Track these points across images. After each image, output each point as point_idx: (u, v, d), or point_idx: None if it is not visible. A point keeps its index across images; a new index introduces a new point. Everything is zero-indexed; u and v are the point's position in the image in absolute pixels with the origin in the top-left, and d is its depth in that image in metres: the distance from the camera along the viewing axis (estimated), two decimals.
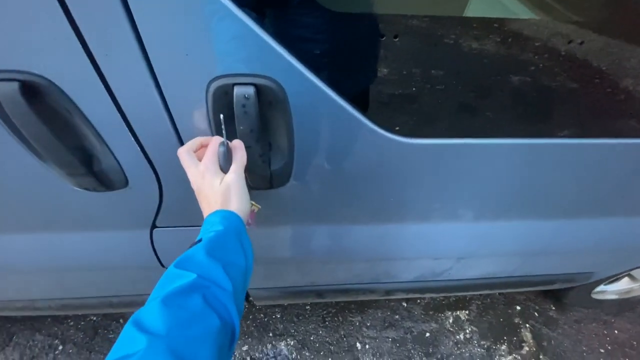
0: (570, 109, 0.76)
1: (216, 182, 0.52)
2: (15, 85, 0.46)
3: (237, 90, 0.53)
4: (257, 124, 0.56)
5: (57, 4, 0.42)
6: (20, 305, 1.08)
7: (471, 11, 0.59)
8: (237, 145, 0.55)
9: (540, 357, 1.45)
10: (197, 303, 0.40)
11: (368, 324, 1.52)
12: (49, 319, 1.47)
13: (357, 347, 1.45)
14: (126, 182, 0.65)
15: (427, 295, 1.60)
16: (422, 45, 0.63)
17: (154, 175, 0.65)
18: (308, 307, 1.56)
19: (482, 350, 1.46)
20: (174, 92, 0.55)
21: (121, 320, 1.48)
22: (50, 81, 0.48)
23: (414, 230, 1.00)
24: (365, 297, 1.36)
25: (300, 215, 0.89)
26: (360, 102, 0.68)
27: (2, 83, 0.46)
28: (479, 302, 1.62)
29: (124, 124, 0.55)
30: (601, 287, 1.41)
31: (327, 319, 1.52)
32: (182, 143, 0.61)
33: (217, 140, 0.54)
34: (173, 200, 0.72)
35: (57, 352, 1.39)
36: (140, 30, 0.46)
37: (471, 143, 0.75)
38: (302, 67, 0.55)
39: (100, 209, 0.72)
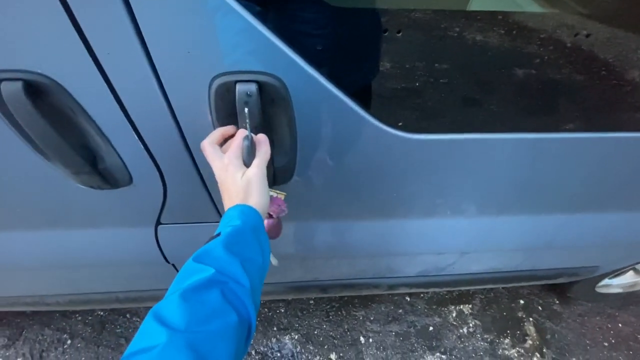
0: (575, 102, 0.75)
1: (238, 175, 0.52)
2: (19, 85, 0.46)
3: (239, 87, 0.53)
4: (260, 122, 0.56)
5: (59, 3, 0.43)
6: (30, 300, 1.10)
7: (474, 5, 0.58)
8: (262, 140, 0.55)
9: (544, 350, 1.46)
10: (216, 298, 0.41)
11: (372, 318, 1.53)
12: (57, 314, 1.49)
13: (360, 341, 1.46)
14: (130, 180, 0.66)
15: (431, 290, 1.60)
16: (425, 39, 0.62)
17: (157, 173, 0.66)
18: (312, 302, 1.57)
19: (486, 343, 1.47)
20: (177, 89, 0.55)
21: (128, 315, 1.50)
22: (53, 80, 0.48)
23: (417, 226, 1.01)
24: (368, 291, 1.37)
25: (304, 211, 0.90)
26: (363, 98, 0.68)
27: (6, 82, 0.47)
28: (483, 296, 1.62)
29: (127, 122, 0.56)
30: (606, 281, 1.41)
31: (330, 314, 1.54)
32: (185, 140, 0.62)
33: (241, 133, 0.54)
34: (177, 197, 0.73)
35: (65, 346, 1.41)
36: (141, 28, 0.46)
37: (474, 138, 0.75)
38: (304, 64, 0.55)
39: (105, 206, 0.73)
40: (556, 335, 1.51)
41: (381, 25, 0.59)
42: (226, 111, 0.57)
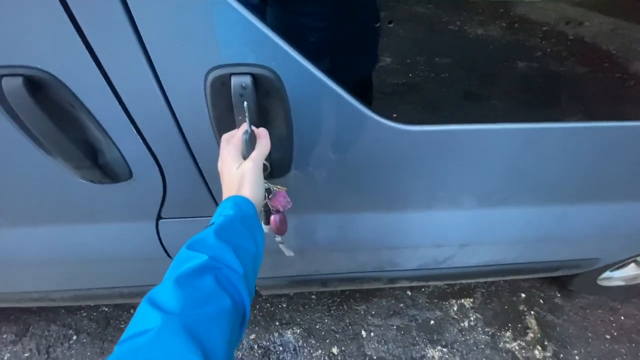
0: (573, 91, 0.75)
1: (234, 167, 0.53)
2: (19, 80, 0.48)
3: (234, 80, 0.53)
4: (255, 114, 0.56)
5: None
6: (36, 296, 1.12)
7: None
8: (262, 134, 0.56)
9: (545, 343, 1.46)
10: (210, 283, 0.41)
11: (373, 312, 1.54)
12: (63, 311, 1.51)
13: (362, 335, 1.47)
14: (130, 174, 0.67)
15: (431, 283, 1.61)
16: (420, 30, 0.63)
17: (156, 167, 0.67)
18: (313, 297, 1.58)
19: (487, 337, 1.48)
20: (173, 83, 0.56)
21: (132, 311, 1.52)
22: (52, 75, 0.49)
23: (416, 218, 1.01)
24: (369, 285, 1.37)
25: (302, 204, 0.90)
26: (365, 90, 0.69)
27: (7, 78, 0.48)
28: (484, 290, 1.63)
29: (125, 116, 0.57)
30: (607, 274, 1.41)
31: (332, 308, 1.55)
32: (182, 134, 0.63)
33: (243, 127, 0.55)
34: (176, 191, 0.74)
35: (71, 341, 1.44)
36: (137, 23, 0.47)
37: (472, 129, 0.74)
38: (298, 56, 0.56)
39: (107, 201, 0.74)
40: (558, 328, 1.51)
41: (377, 16, 0.60)
42: (222, 104, 0.58)
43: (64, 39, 0.47)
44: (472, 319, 1.53)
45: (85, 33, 0.47)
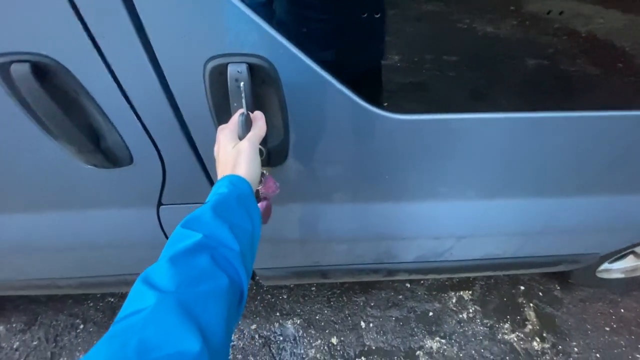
0: (571, 78, 0.73)
1: (229, 146, 0.53)
2: (27, 66, 0.51)
3: (230, 67, 0.56)
4: (251, 101, 0.59)
5: None
6: (43, 283, 1.16)
7: None
8: (258, 116, 0.57)
9: (544, 334, 1.47)
10: (206, 262, 0.40)
11: (372, 304, 1.56)
12: (70, 301, 1.56)
13: (361, 326, 1.49)
14: (131, 159, 0.70)
15: (430, 277, 1.62)
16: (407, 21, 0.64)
17: (156, 152, 0.70)
18: (313, 288, 1.61)
19: (485, 328, 1.49)
20: (172, 71, 0.59)
21: None
22: (57, 62, 0.53)
23: (412, 208, 1.02)
24: (368, 277, 1.38)
25: (300, 194, 0.92)
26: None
27: (16, 65, 0.51)
28: (483, 283, 1.64)
29: (125, 102, 0.60)
30: (606, 265, 1.41)
31: (332, 299, 1.57)
32: (181, 120, 0.65)
33: (240, 111, 0.56)
34: (176, 176, 0.77)
35: (78, 330, 1.48)
36: (139, 12, 0.50)
37: (466, 118, 0.74)
38: (291, 46, 0.58)
39: (109, 186, 0.77)
40: (557, 320, 1.51)
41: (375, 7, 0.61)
42: (220, 92, 0.60)
43: (67, 27, 0.50)
44: (470, 310, 1.54)
45: (87, 21, 0.50)
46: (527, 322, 1.50)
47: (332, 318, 1.51)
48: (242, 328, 1.49)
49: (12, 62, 0.51)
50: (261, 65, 0.59)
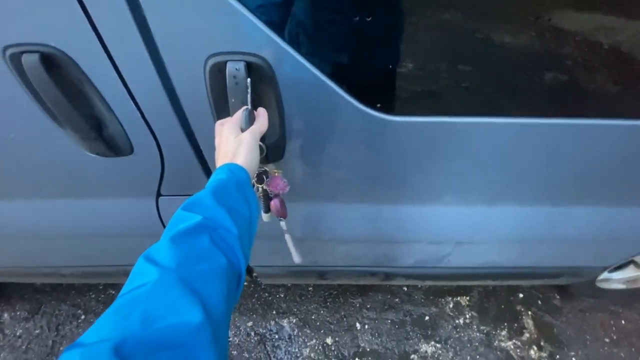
0: (578, 84, 0.72)
1: (231, 137, 0.56)
2: (36, 57, 0.55)
3: (229, 65, 0.59)
4: (252, 97, 0.61)
5: None
6: (47, 271, 1.20)
7: None
8: (261, 112, 0.61)
9: (541, 343, 1.45)
10: (205, 243, 0.42)
11: (368, 306, 1.56)
12: (72, 292, 1.60)
13: (356, 327, 1.49)
14: (132, 149, 0.73)
15: (428, 283, 1.62)
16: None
17: (155, 143, 0.73)
18: (311, 289, 1.62)
19: (482, 335, 1.48)
20: (174, 66, 0.62)
21: None
22: (64, 53, 0.56)
23: (410, 212, 1.02)
24: (366, 281, 1.38)
25: (296, 193, 0.93)
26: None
27: (26, 55, 0.55)
28: (481, 289, 1.63)
29: (127, 93, 0.63)
30: (605, 275, 1.39)
31: (328, 300, 1.58)
32: (179, 112, 0.68)
33: (243, 107, 0.59)
34: (174, 167, 0.80)
35: (80, 320, 1.52)
36: (142, 6, 0.53)
37: (463, 122, 0.74)
38: (286, 46, 0.60)
39: (111, 175, 0.81)
40: (555, 329, 1.49)
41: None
42: (220, 88, 0.63)
43: (75, 21, 0.54)
44: (467, 316, 1.53)
45: (94, 18, 0.53)
46: (524, 330, 1.49)
47: (328, 318, 1.52)
48: (238, 325, 1.50)
49: (23, 52, 0.55)
50: (259, 64, 0.61)
